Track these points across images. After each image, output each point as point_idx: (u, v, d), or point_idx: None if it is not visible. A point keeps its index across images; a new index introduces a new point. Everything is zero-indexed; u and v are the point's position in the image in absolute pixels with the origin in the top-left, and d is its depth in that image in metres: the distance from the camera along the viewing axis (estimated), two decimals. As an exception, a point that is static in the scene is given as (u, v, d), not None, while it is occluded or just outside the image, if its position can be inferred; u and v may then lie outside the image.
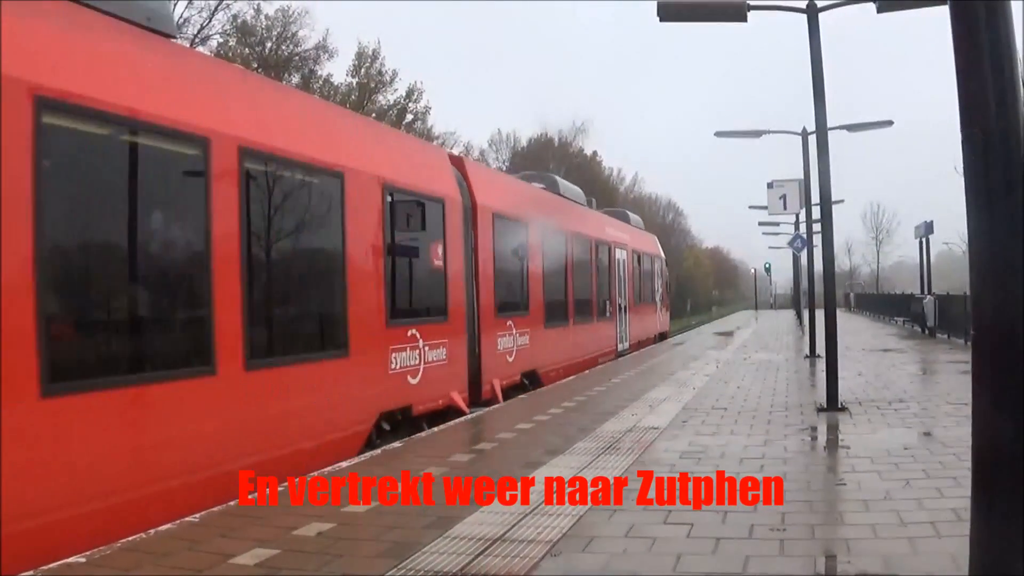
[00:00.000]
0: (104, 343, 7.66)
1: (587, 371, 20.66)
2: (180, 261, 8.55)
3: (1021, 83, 3.16)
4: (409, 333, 12.84)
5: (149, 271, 8.13)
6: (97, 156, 7.64)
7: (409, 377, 12.78)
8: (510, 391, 16.95)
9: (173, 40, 9.10)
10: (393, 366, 12.31)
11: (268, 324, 9.75)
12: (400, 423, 12.49)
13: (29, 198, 6.51)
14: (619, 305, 28.35)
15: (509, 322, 17.43)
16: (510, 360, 17.43)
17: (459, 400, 14.41)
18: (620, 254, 28.93)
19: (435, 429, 12.15)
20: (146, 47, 8.25)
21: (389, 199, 12.37)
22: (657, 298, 37.10)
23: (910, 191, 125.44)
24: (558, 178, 25.79)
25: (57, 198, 6.84)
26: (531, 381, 18.50)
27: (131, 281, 7.90)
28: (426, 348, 13.28)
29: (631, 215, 37.37)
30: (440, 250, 14.14)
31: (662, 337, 37.33)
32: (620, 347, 28.19)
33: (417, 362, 13.01)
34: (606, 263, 26.82)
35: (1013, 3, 3.19)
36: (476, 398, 15.52)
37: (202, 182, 8.54)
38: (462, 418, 13.42)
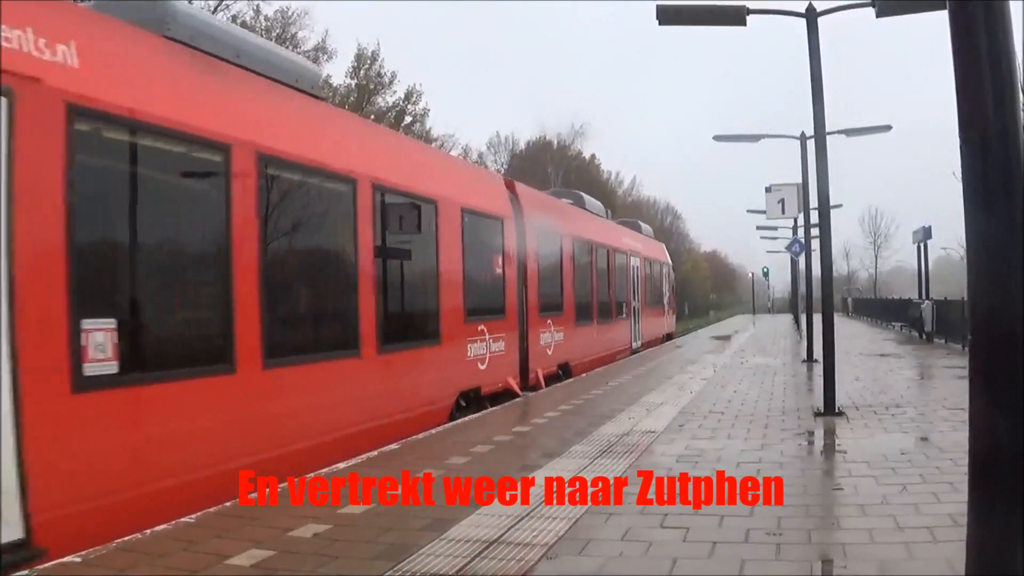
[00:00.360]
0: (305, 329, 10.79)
1: (602, 367, 22.64)
2: (344, 270, 11.47)
3: (1019, 86, 3.16)
4: (479, 328, 15.72)
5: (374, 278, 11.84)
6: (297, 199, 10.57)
7: (479, 364, 15.69)
8: (548, 380, 19.41)
9: (323, 102, 12.51)
10: (468, 354, 15.25)
11: (394, 321, 12.56)
12: (471, 401, 15.17)
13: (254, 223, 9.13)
14: (633, 307, 31.00)
15: (548, 321, 20.15)
16: (549, 353, 20.15)
17: (514, 384, 17.20)
18: (634, 261, 31.60)
19: (432, 431, 12.17)
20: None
21: (465, 220, 15.00)
22: (665, 301, 39.94)
23: (908, 195, 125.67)
24: (583, 194, 28.35)
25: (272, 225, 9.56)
26: (564, 372, 21.08)
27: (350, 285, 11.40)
28: (490, 340, 16.17)
29: (642, 225, 39.79)
30: (500, 259, 17.03)
31: (668, 337, 39.81)
32: (634, 344, 30.77)
33: (484, 352, 15.89)
34: (623, 269, 29.49)
35: (1011, 6, 3.19)
36: (524, 384, 18.03)
37: (359, 210, 11.50)
38: (464, 419, 13.45)
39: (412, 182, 13.22)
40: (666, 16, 13.24)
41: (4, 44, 6.36)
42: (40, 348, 6.55)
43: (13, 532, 6.32)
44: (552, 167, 77.63)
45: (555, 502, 7.69)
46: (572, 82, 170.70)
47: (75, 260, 6.86)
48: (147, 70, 8.15)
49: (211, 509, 7.66)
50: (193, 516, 7.39)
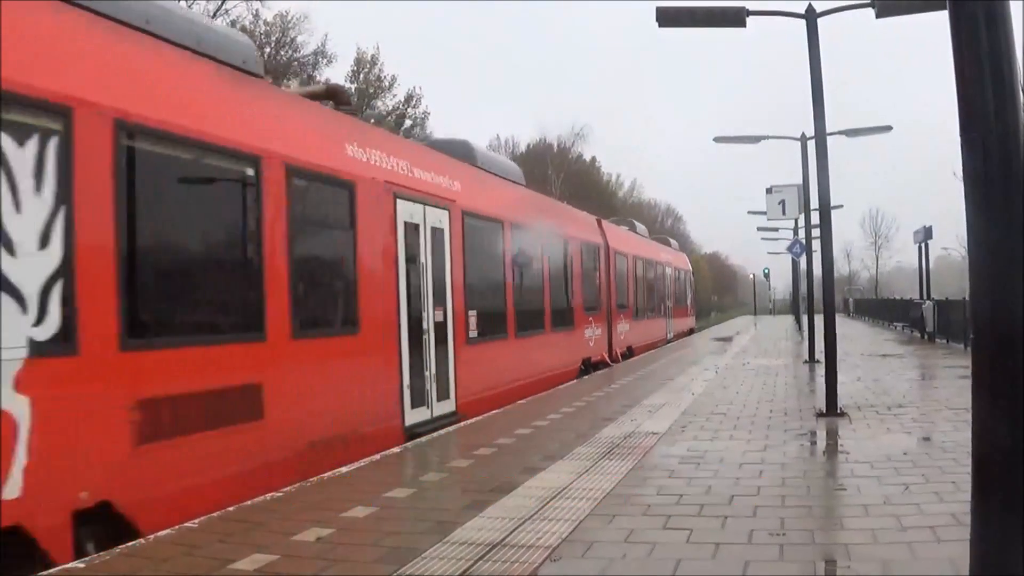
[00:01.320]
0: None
1: (618, 364, 25.97)
2: (498, 271, 17.70)
3: (1020, 86, 3.16)
4: (589, 319, 24.10)
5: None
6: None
7: (590, 342, 24.25)
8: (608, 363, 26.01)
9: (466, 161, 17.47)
10: (585, 336, 23.76)
11: (556, 315, 20.98)
12: (585, 367, 23.32)
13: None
14: (667, 307, 39.74)
15: (621, 315, 28.57)
16: (622, 338, 28.47)
17: (606, 357, 25.86)
18: (668, 271, 40.47)
19: (437, 434, 12.16)
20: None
21: (581, 249, 23.58)
22: (688, 302, 49.02)
23: (909, 196, 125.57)
24: (635, 221, 38.46)
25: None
26: (629, 353, 29.13)
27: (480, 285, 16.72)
28: (594, 327, 24.68)
29: (671, 240, 50.63)
30: (597, 273, 25.61)
31: (691, 331, 48.81)
32: (668, 336, 39.30)
33: (592, 335, 24.40)
34: (661, 278, 38.37)
35: (1011, 6, 3.20)
36: (609, 359, 26.05)
37: (506, 244, 17.77)
38: (467, 421, 13.43)
39: (576, 232, 23.66)
40: (666, 18, 13.25)
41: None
42: (457, 326, 14.65)
43: (450, 407, 14.13)
44: (552, 169, 77.54)
45: (558, 504, 7.69)
46: (572, 85, 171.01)
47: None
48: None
49: (214, 514, 7.66)
50: (196, 521, 7.39)
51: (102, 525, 7.13)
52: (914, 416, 12.44)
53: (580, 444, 10.82)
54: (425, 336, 13.39)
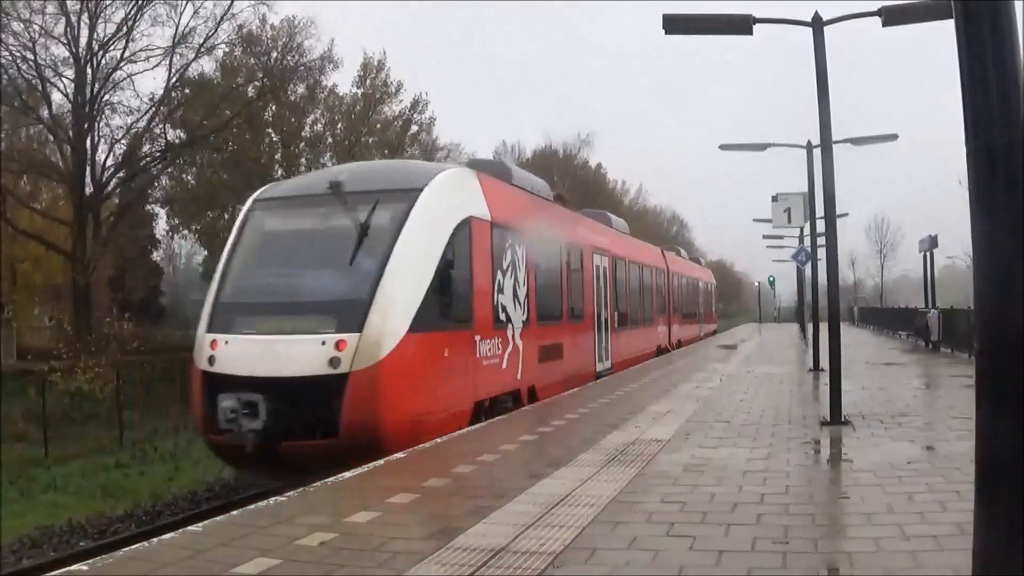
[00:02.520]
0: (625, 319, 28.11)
1: (673, 351, 35.94)
2: (700, 291, 47.69)
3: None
4: (659, 319, 35.19)
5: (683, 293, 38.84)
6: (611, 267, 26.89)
7: (660, 335, 35.37)
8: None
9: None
10: (656, 330, 34.56)
11: (647, 314, 32.89)
12: (657, 351, 33.59)
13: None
14: (700, 313, 51.28)
15: (675, 318, 39.21)
16: (674, 334, 38.79)
17: (668, 345, 36.54)
18: (700, 284, 52.38)
19: (439, 440, 12.14)
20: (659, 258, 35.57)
21: (655, 272, 34.60)
22: (712, 309, 61.20)
23: (914, 204, 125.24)
24: (679, 248, 52.99)
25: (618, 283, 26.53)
26: (678, 345, 39.16)
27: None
28: (661, 325, 35.64)
29: (700, 259, 65.32)
30: (663, 289, 36.23)
31: (714, 332, 59.11)
32: (700, 334, 49.92)
33: (661, 330, 35.41)
34: (696, 290, 49.88)
35: (1018, 14, 3.20)
36: (670, 347, 36.84)
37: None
38: (472, 427, 13.43)
39: (642, 258, 32.67)
40: (672, 26, 13.26)
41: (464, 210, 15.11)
42: (611, 321, 25.57)
43: (609, 364, 24.80)
44: (558, 175, 77.43)
45: (561, 511, 7.69)
46: (578, 92, 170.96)
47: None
48: (507, 199, 17.46)
49: (219, 518, 7.67)
50: (200, 525, 7.41)
51: (531, 396, 17.28)
52: (918, 425, 12.44)
53: (584, 450, 10.82)
54: (601, 325, 24.34)
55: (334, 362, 12.23)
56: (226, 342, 13.07)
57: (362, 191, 14.05)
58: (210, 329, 13.48)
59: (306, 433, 12.31)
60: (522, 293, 17.26)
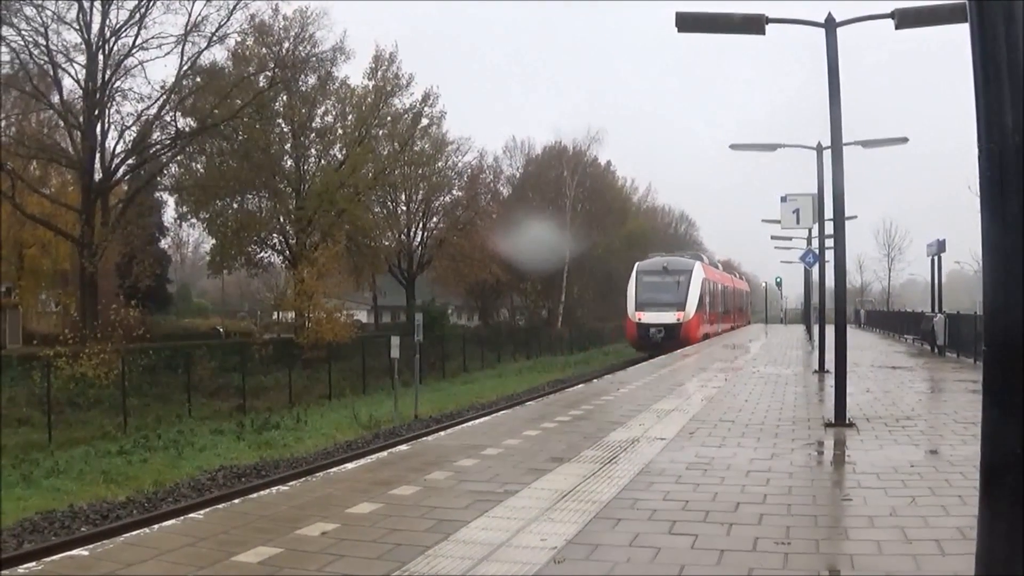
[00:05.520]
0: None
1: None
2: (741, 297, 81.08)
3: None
4: (732, 315, 67.91)
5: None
6: (729, 292, 68.06)
7: (737, 322, 71.13)
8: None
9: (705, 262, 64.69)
10: (736, 321, 70.82)
11: (735, 313, 71.82)
12: (732, 328, 67.25)
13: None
14: (744, 311, 78.07)
15: (736, 312, 70.73)
16: (735, 320, 68.38)
17: (735, 326, 68.17)
18: (744, 293, 79.37)
19: (442, 433, 12.17)
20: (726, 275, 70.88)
21: (742, 290, 79.66)
22: (747, 308, 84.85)
23: (922, 209, 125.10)
24: (736, 269, 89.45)
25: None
26: (734, 328, 65.77)
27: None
28: (736, 319, 70.82)
29: (740, 273, 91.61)
30: (743, 300, 79.47)
31: (748, 323, 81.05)
32: (743, 322, 71.66)
33: (737, 321, 71.60)
34: (740, 296, 73.94)
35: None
36: (735, 327, 68.97)
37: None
38: (474, 421, 13.44)
39: (734, 285, 71.88)
40: (685, 24, 13.22)
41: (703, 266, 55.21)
42: (726, 311, 67.39)
43: (729, 327, 65.30)
44: (568, 172, 77.45)
45: (563, 506, 7.69)
46: (588, 89, 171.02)
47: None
48: (709, 269, 58.94)
49: (220, 506, 7.68)
50: (201, 512, 7.41)
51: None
52: (922, 429, 12.42)
53: (587, 447, 10.82)
54: (725, 313, 61.03)
55: (676, 320, 47.02)
56: (643, 313, 47.64)
57: (673, 269, 49.73)
58: (637, 309, 48.12)
59: (669, 340, 44.27)
60: (715, 302, 54.93)
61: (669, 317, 46.83)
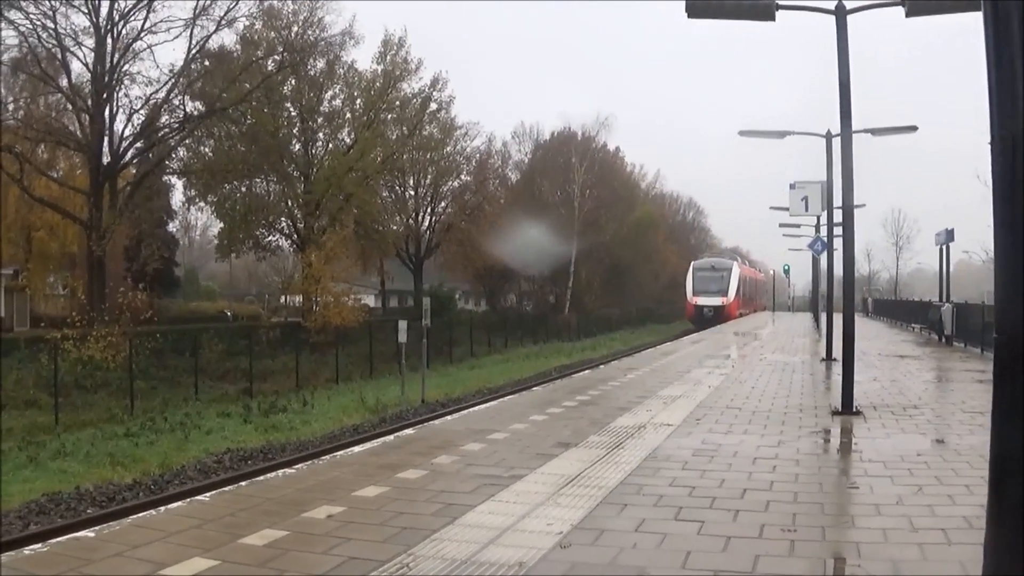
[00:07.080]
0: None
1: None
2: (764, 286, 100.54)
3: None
4: (755, 302, 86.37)
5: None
6: (753, 283, 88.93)
7: (759, 307, 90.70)
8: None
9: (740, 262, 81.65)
10: (758, 306, 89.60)
11: (756, 299, 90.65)
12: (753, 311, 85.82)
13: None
14: (763, 298, 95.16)
15: (757, 300, 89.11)
16: (756, 306, 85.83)
17: (756, 311, 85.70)
18: (762, 282, 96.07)
19: (447, 418, 12.19)
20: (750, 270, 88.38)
21: (764, 281, 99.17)
22: (765, 298, 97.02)
23: (931, 197, 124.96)
24: (756, 262, 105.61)
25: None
26: (756, 312, 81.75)
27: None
28: (759, 305, 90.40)
29: (760, 264, 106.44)
30: (764, 289, 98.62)
31: (765, 308, 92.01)
32: (763, 308, 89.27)
33: (760, 307, 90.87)
34: (760, 285, 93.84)
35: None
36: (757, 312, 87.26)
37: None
38: (483, 405, 13.45)
39: (756, 278, 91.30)
40: (695, 10, 13.16)
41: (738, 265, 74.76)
42: (751, 299, 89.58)
43: (751, 310, 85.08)
44: (576, 157, 77.29)
45: (569, 491, 7.69)
46: (597, 75, 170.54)
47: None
48: (744, 268, 79.04)
49: (226, 489, 7.70)
50: (208, 495, 7.43)
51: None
52: (929, 418, 12.39)
53: (594, 432, 10.82)
54: (752, 300, 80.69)
55: (721, 303, 64.90)
56: (698, 298, 66.33)
57: (718, 267, 69.63)
58: (693, 295, 67.06)
59: (716, 317, 60.82)
60: (745, 291, 74.04)
61: (716, 301, 65.52)
